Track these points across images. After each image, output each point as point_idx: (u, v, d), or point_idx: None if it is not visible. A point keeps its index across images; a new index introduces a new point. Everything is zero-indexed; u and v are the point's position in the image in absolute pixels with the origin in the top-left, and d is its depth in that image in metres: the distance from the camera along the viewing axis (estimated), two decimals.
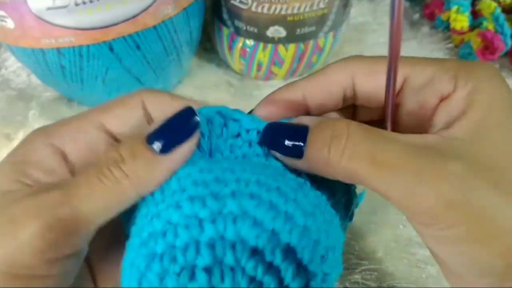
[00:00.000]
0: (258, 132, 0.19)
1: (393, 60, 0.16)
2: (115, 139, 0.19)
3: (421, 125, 0.17)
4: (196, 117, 0.17)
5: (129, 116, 0.18)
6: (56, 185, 0.16)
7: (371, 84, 0.19)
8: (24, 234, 0.14)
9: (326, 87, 0.19)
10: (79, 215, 0.15)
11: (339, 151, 0.15)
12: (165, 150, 0.16)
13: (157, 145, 0.16)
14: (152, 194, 0.17)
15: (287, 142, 0.17)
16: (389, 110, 0.18)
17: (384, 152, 0.15)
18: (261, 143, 0.18)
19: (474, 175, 0.15)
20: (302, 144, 0.16)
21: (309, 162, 0.17)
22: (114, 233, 0.22)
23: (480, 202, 0.14)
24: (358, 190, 0.21)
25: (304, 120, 0.18)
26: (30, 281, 0.15)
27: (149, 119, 0.19)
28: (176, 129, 0.17)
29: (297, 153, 0.17)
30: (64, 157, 0.18)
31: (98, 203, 0.16)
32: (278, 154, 0.18)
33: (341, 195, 0.20)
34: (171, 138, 0.17)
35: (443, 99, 0.17)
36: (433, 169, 0.15)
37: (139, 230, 0.16)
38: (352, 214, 0.21)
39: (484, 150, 0.15)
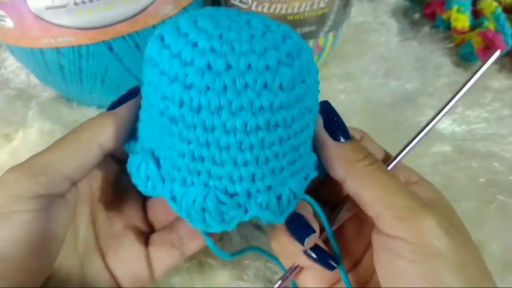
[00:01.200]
0: None
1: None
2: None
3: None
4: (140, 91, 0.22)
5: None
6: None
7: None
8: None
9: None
10: (48, 164, 0.20)
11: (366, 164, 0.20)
12: (113, 108, 0.22)
13: (109, 107, 0.22)
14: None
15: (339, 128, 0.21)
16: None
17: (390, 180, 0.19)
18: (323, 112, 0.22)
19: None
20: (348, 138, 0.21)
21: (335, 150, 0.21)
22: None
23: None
24: None
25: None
26: (4, 216, 0.18)
27: None
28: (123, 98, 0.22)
29: (339, 135, 0.21)
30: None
31: (63, 152, 0.20)
32: (321, 122, 0.21)
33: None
34: (119, 102, 0.22)
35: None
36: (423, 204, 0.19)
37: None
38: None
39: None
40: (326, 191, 0.25)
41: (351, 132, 0.21)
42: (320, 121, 0.21)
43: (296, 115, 0.18)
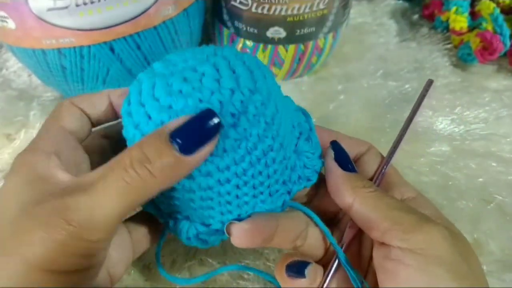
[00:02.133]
0: None
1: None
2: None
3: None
4: (216, 118, 0.18)
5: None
6: (80, 185, 0.17)
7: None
8: (51, 235, 0.16)
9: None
10: (99, 218, 0.17)
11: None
12: (187, 151, 0.17)
13: (179, 145, 0.17)
14: None
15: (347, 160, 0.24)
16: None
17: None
18: (334, 147, 0.24)
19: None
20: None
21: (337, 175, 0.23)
22: None
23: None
24: None
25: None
26: (54, 275, 0.17)
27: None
28: (197, 130, 0.18)
29: (346, 167, 0.23)
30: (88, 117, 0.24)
31: (121, 204, 0.17)
32: (332, 154, 0.24)
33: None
34: (193, 139, 0.17)
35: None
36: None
37: None
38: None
39: None
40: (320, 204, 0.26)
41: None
42: (331, 154, 0.24)
43: (229, 162, 0.19)
